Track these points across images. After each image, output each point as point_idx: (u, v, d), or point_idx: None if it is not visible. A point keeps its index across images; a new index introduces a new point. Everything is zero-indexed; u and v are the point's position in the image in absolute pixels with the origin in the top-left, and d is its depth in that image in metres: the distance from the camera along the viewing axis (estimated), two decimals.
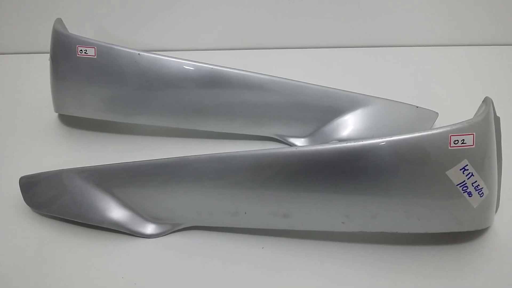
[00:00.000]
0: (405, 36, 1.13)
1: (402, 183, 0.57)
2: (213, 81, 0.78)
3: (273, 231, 0.64)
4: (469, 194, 0.57)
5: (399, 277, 0.59)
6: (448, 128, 0.56)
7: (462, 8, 1.10)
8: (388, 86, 0.98)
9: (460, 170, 0.56)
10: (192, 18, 1.11)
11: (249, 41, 1.13)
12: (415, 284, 0.59)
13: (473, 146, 0.56)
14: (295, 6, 1.10)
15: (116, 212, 0.66)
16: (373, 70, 1.05)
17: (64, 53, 0.79)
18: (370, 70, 1.05)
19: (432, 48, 1.12)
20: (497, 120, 0.61)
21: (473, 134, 0.56)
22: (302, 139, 0.82)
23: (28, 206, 0.69)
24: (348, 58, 1.10)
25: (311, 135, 0.81)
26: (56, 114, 0.89)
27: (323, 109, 0.80)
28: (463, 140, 0.55)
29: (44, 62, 0.86)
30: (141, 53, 0.78)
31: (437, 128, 0.56)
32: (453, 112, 0.81)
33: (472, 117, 0.59)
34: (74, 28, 0.85)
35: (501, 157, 0.63)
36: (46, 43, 0.83)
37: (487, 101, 0.61)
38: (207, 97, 0.79)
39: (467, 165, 0.56)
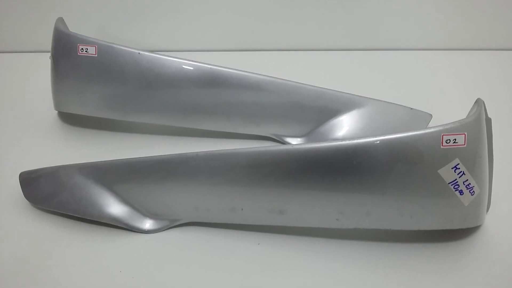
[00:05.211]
0: (401, 39, 1.14)
1: (395, 181, 0.58)
2: (211, 81, 0.79)
3: (269, 227, 0.65)
4: (460, 192, 0.58)
5: (392, 273, 0.60)
6: (441, 128, 0.57)
7: (457, 13, 1.12)
8: (383, 88, 1.00)
9: (452, 168, 0.57)
10: (193, 19, 1.13)
11: (248, 43, 1.15)
12: (407, 279, 0.60)
13: (465, 146, 0.57)
14: (293, 9, 1.11)
15: (115, 208, 0.66)
16: (369, 72, 1.06)
17: (65, 51, 0.80)
18: (366, 72, 1.06)
19: (427, 52, 1.13)
20: (488, 121, 0.63)
21: (464, 133, 0.57)
22: (298, 139, 0.83)
23: (28, 201, 0.70)
24: (344, 61, 1.11)
25: (307, 135, 0.82)
26: (56, 111, 0.90)
27: (319, 110, 0.81)
28: (455, 139, 0.57)
29: (45, 61, 0.87)
30: (141, 52, 0.79)
31: (430, 127, 0.58)
32: (446, 114, 0.82)
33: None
34: (75, 27, 0.86)
35: (492, 158, 0.64)
36: (47, 42, 0.84)
37: (479, 102, 0.62)
38: (205, 97, 0.80)
39: (458, 164, 0.57)
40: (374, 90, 0.90)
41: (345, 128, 0.81)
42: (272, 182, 0.61)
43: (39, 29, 1.11)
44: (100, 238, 0.66)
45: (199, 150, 0.64)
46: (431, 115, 0.83)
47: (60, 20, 0.85)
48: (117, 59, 0.79)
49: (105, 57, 0.79)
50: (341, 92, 0.82)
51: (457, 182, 0.58)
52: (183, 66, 0.79)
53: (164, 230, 0.67)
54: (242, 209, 0.63)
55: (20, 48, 1.14)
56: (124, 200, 0.67)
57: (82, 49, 0.79)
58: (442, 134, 0.57)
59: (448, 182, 0.58)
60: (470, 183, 0.59)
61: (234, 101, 0.81)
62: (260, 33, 1.14)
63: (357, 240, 0.64)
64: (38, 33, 1.12)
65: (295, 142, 0.82)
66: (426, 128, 0.59)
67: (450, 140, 0.57)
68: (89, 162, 0.69)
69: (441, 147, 0.57)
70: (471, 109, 0.63)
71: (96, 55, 0.79)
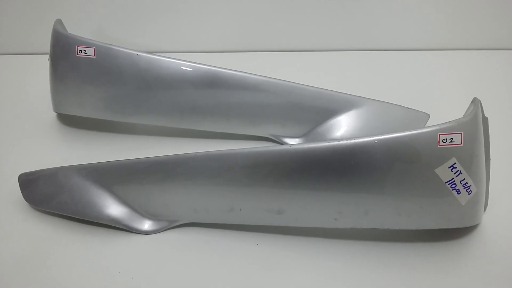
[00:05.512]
0: (398, 40, 1.15)
1: (393, 181, 0.58)
2: (210, 82, 0.80)
3: (267, 227, 0.66)
4: (458, 191, 0.59)
5: (389, 272, 0.61)
6: (437, 127, 0.57)
7: (455, 13, 1.12)
8: (381, 88, 1.00)
9: (449, 168, 0.58)
10: (191, 21, 1.13)
11: (246, 44, 1.15)
12: (404, 278, 0.60)
13: (461, 145, 0.57)
14: (291, 9, 1.12)
15: (114, 209, 0.67)
16: (367, 73, 1.07)
17: (64, 53, 0.80)
18: (364, 73, 1.07)
19: (424, 52, 1.14)
20: (485, 120, 0.63)
21: (461, 133, 0.57)
22: (297, 139, 0.83)
23: (27, 203, 0.70)
24: (342, 61, 1.11)
25: (306, 136, 0.83)
26: (55, 113, 0.90)
27: (317, 110, 0.81)
28: (452, 138, 0.57)
29: (43, 63, 0.87)
30: (139, 53, 0.79)
31: (427, 127, 0.58)
32: (444, 114, 0.82)
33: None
34: (74, 29, 0.87)
35: (489, 157, 0.64)
36: (46, 44, 0.84)
37: (475, 102, 0.62)
38: (204, 97, 0.80)
39: (455, 163, 0.58)
40: (372, 90, 0.90)
41: (343, 128, 0.81)
42: (271, 182, 0.61)
43: (37, 31, 1.12)
44: (99, 239, 0.66)
45: (198, 151, 0.64)
46: (428, 115, 0.83)
47: (59, 21, 0.85)
48: (115, 61, 0.79)
49: (103, 59, 0.79)
50: (339, 92, 0.82)
51: (454, 181, 0.58)
52: (182, 67, 0.79)
53: (163, 231, 0.67)
54: (240, 210, 0.64)
55: (19, 50, 1.14)
56: (123, 201, 0.67)
57: (81, 50, 0.79)
58: (438, 134, 0.57)
59: (445, 181, 0.58)
60: (467, 182, 0.59)
61: (233, 102, 0.81)
62: (259, 34, 1.14)
63: (355, 240, 0.65)
64: (36, 35, 1.12)
65: (293, 142, 0.83)
66: (423, 127, 0.59)
67: (446, 139, 0.57)
68: (88, 163, 0.69)
69: (438, 146, 0.57)
70: (468, 108, 0.64)
71: (95, 57, 0.79)
